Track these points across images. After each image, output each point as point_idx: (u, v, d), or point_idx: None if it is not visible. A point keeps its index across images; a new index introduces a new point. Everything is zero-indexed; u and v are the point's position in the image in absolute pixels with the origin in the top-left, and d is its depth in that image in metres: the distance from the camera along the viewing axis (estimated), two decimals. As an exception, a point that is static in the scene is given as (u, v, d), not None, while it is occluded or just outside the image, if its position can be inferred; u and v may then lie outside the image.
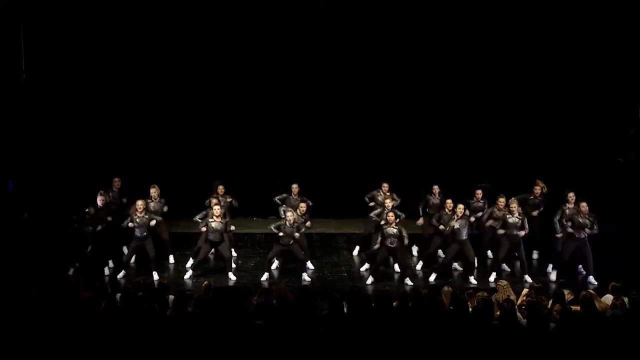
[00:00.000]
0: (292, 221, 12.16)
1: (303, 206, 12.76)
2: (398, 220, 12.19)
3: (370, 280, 12.25)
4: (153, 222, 12.20)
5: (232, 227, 12.70)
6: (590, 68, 14.75)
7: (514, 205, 12.18)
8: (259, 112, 15.38)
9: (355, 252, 13.73)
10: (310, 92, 15.29)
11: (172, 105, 15.18)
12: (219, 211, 12.19)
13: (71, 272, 12.21)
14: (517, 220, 12.17)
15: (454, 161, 15.43)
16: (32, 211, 14.22)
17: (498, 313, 8.68)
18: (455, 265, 12.97)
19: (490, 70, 15.09)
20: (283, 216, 12.47)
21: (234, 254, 13.48)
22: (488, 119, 15.34)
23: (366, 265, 12.95)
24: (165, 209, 12.88)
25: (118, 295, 9.37)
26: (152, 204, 12.65)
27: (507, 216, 12.19)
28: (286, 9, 14.74)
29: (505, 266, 12.88)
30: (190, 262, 12.56)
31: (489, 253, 13.26)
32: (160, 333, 8.10)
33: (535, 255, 13.51)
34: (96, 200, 12.43)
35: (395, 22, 14.93)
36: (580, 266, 12.67)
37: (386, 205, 12.52)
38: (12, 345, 7.97)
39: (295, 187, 13.31)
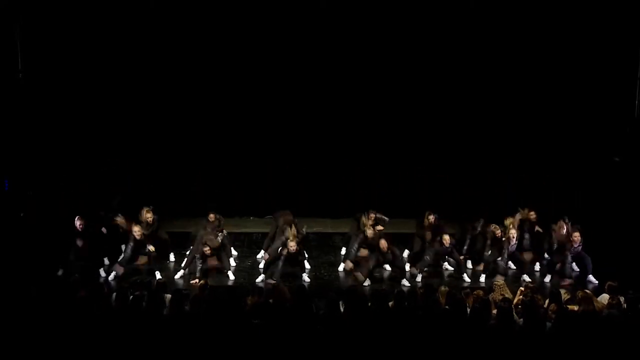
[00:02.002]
0: (293, 247, 11.93)
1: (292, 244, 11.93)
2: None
3: (367, 282, 12.25)
4: (152, 248, 12.09)
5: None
6: (586, 67, 14.76)
7: (513, 232, 12.12)
8: (257, 111, 15.35)
9: (341, 267, 13.06)
10: (308, 92, 15.25)
11: (169, 103, 15.14)
12: (209, 251, 12.03)
13: (60, 272, 12.16)
14: (515, 244, 12.20)
15: (450, 160, 15.44)
16: (28, 210, 14.22)
17: (495, 312, 8.71)
18: (446, 264, 12.96)
19: (486, 70, 15.07)
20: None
21: (234, 252, 13.49)
22: (484, 118, 15.32)
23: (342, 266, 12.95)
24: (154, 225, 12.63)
25: (114, 294, 9.40)
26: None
27: (508, 246, 12.12)
28: (282, 8, 14.74)
29: (510, 263, 12.84)
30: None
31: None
32: (158, 332, 8.11)
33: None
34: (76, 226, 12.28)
35: (391, 24, 14.92)
36: (574, 264, 12.70)
37: (367, 234, 12.37)
38: (9, 345, 7.97)
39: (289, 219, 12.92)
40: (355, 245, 12.56)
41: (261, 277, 12.25)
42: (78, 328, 8.11)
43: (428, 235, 12.74)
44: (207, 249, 11.99)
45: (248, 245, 14.20)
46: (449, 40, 14.94)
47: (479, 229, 12.92)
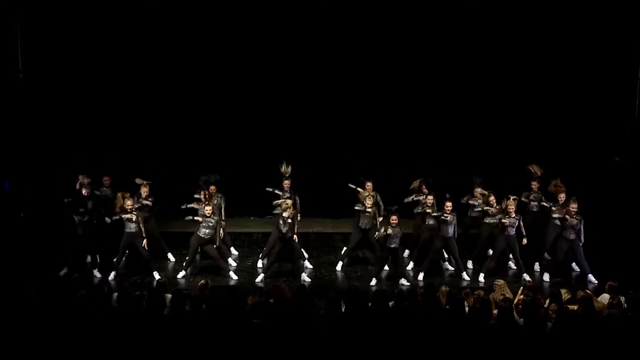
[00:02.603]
0: (287, 216, 12.03)
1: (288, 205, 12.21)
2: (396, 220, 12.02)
3: (374, 281, 12.23)
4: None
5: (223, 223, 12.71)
6: (586, 67, 14.77)
7: (512, 206, 12.15)
8: (256, 111, 15.36)
9: (339, 267, 13.10)
10: (308, 92, 15.27)
11: (169, 103, 15.16)
12: (210, 211, 12.21)
13: (63, 272, 12.15)
14: (514, 220, 12.14)
15: (450, 159, 15.42)
16: (28, 210, 14.20)
17: (495, 312, 8.71)
18: (446, 264, 12.95)
19: (486, 71, 15.08)
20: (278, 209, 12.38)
21: (234, 252, 13.48)
22: (484, 117, 15.34)
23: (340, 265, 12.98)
24: (150, 201, 12.82)
25: (115, 294, 9.39)
26: (143, 202, 12.68)
27: (505, 217, 12.14)
28: (283, 9, 14.73)
29: (511, 264, 12.90)
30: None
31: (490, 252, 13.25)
32: (158, 332, 8.11)
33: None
34: (80, 190, 12.52)
35: (392, 25, 14.90)
36: (574, 264, 12.69)
37: (366, 204, 12.51)
38: (10, 344, 7.96)
39: (287, 183, 13.16)
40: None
41: (261, 277, 12.25)
42: (78, 328, 8.10)
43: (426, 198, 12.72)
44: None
45: (248, 245, 14.22)
46: (449, 40, 14.97)
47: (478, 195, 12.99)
